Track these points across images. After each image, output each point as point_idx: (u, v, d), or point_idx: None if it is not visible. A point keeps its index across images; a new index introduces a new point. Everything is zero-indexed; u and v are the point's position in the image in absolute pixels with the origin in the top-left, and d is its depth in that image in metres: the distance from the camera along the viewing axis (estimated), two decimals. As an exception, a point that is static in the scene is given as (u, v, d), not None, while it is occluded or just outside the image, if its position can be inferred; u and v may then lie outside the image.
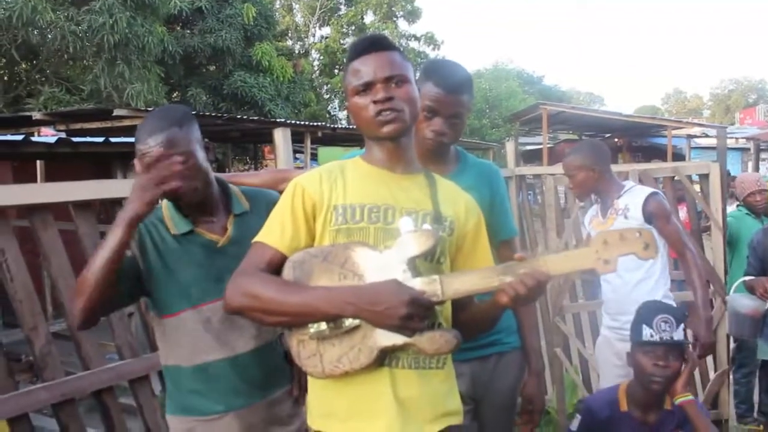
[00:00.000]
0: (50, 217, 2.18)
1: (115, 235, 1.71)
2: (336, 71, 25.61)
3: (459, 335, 1.55)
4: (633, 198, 3.23)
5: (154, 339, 2.47)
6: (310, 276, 1.57)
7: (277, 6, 27.85)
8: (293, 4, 28.75)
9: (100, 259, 1.71)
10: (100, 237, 2.37)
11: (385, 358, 1.56)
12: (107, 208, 2.43)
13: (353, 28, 28.15)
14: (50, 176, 7.24)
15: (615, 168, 4.42)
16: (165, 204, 1.96)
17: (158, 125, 1.85)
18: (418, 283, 1.51)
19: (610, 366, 3.33)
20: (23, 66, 13.45)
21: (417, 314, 1.47)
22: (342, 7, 28.55)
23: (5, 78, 13.47)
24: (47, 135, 4.96)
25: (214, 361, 1.91)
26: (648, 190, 3.29)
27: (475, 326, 1.76)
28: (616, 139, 22.90)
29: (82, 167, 6.04)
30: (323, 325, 1.54)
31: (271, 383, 2.00)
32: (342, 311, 1.50)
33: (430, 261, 1.64)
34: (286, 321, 1.57)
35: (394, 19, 28.05)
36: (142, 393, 2.43)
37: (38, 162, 6.86)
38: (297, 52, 26.04)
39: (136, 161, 1.88)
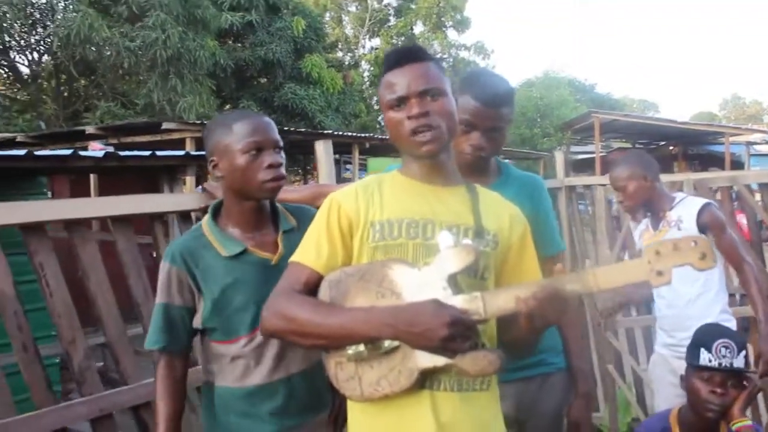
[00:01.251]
0: (89, 232, 2.18)
1: None
2: (386, 82, 25.71)
3: (503, 355, 1.46)
4: (686, 209, 3.09)
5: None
6: (346, 295, 1.52)
7: (327, 18, 28.18)
8: (343, 16, 29.04)
9: None
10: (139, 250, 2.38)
11: (426, 380, 1.49)
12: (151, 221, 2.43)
13: (403, 38, 28.26)
14: (103, 189, 7.41)
15: (669, 177, 4.28)
16: (207, 229, 1.90)
17: (253, 114, 1.92)
18: (459, 301, 1.44)
19: (666, 385, 3.18)
20: (82, 82, 13.85)
21: (458, 335, 1.40)
22: (391, 18, 28.73)
23: (65, 94, 13.89)
24: (96, 149, 5.05)
25: (269, 383, 1.85)
26: (701, 200, 3.15)
27: (519, 346, 1.68)
28: (671, 147, 22.35)
29: (131, 180, 6.16)
30: (361, 347, 1.48)
31: (320, 403, 1.94)
32: (380, 333, 1.44)
33: (473, 277, 1.56)
34: (323, 344, 1.52)
35: (444, 29, 28.06)
36: None
37: (91, 176, 7.00)
38: (347, 63, 26.26)
39: (230, 156, 1.85)
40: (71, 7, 12.24)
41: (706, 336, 2.45)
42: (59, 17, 11.46)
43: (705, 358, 2.38)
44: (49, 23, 11.98)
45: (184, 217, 2.45)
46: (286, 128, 12.40)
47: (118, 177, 7.12)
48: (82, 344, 2.13)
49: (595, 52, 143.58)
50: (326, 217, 1.60)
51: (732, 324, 3.02)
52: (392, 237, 1.55)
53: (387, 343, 1.46)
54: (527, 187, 2.20)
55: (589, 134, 19.83)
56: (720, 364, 2.35)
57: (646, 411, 4.35)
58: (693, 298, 3.05)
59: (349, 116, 20.17)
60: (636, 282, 1.48)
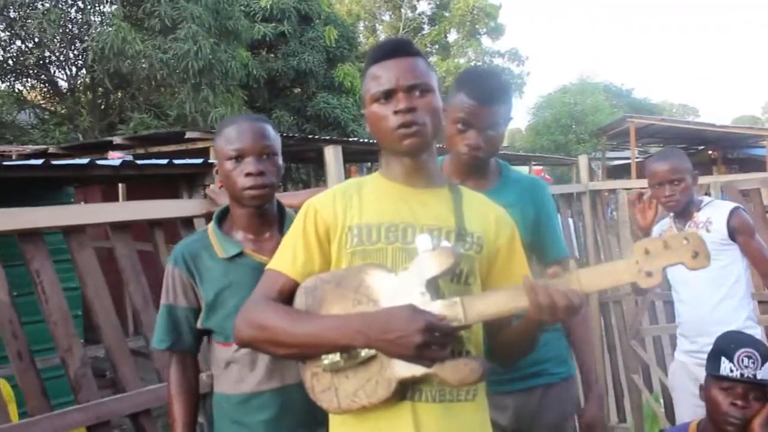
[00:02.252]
0: (86, 238, 2.18)
1: None
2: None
3: (486, 363, 1.40)
4: (716, 211, 2.98)
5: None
6: (322, 303, 1.47)
7: (361, 28, 28.29)
8: (376, 25, 29.11)
9: None
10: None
11: (406, 390, 1.43)
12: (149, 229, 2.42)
13: (437, 47, 28.25)
14: (131, 197, 7.52)
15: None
16: (210, 228, 1.91)
17: (249, 119, 1.88)
18: (437, 307, 1.38)
19: (688, 395, 3.06)
20: (118, 94, 14.08)
21: (434, 342, 1.33)
22: (425, 26, 28.72)
23: (102, 107, 14.14)
24: (114, 158, 5.13)
25: (262, 392, 1.82)
26: (731, 204, 3.03)
27: (513, 350, 1.60)
28: (710, 152, 21.87)
29: (158, 189, 6.24)
30: (337, 357, 1.43)
31: (317, 419, 1.87)
32: (352, 341, 1.38)
33: (457, 282, 1.50)
34: (296, 353, 1.48)
35: (478, 36, 27.96)
36: None
37: (119, 185, 7.10)
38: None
39: (220, 162, 1.86)
40: (107, 21, 12.48)
41: (727, 344, 2.32)
42: (94, 31, 11.65)
43: (726, 367, 2.25)
44: (86, 38, 12.20)
45: (186, 223, 2.43)
46: (311, 137, 12.41)
47: (146, 186, 7.22)
48: (79, 352, 2.12)
49: (633, 57, 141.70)
50: (302, 222, 1.55)
51: (757, 332, 2.90)
52: (371, 242, 1.49)
53: (364, 353, 1.41)
54: (528, 189, 2.13)
55: (624, 140, 19.52)
56: (742, 374, 2.22)
57: (674, 422, 4.21)
58: (716, 303, 2.93)
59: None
60: (623, 284, 1.41)
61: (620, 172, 21.87)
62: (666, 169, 2.99)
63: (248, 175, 1.81)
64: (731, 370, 2.24)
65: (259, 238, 1.89)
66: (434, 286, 1.42)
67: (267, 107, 17.56)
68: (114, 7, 12.79)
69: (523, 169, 16.73)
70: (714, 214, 2.97)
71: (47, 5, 11.82)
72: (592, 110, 23.02)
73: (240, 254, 1.84)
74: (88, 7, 12.60)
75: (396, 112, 1.49)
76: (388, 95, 1.51)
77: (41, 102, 14.71)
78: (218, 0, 12.69)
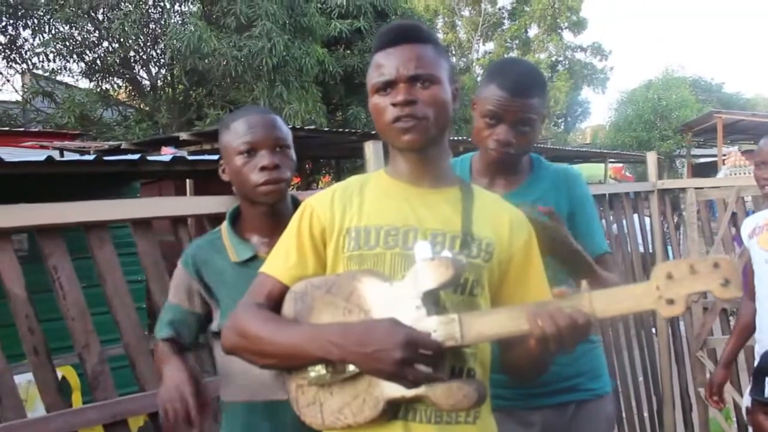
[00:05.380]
0: (107, 234, 2.15)
1: None
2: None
3: (483, 388, 1.27)
4: None
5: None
6: (311, 310, 1.36)
7: (440, 24, 28.12)
8: (456, 20, 28.89)
9: None
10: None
11: (398, 410, 1.31)
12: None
13: (517, 41, 27.83)
14: (198, 192, 7.67)
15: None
16: (224, 229, 1.83)
17: (257, 111, 1.80)
18: (432, 323, 1.26)
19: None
20: (200, 91, 14.42)
21: (417, 360, 1.21)
22: (505, 21, 28.37)
23: (182, 104, 14.51)
24: (167, 153, 5.20)
25: (277, 401, 1.64)
26: None
27: (525, 370, 1.47)
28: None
29: (220, 184, 6.35)
30: (323, 370, 1.32)
31: None
32: (327, 353, 1.27)
33: (460, 293, 1.37)
34: (275, 363, 1.38)
35: (559, 30, 27.40)
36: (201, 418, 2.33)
37: (187, 180, 7.22)
38: (459, 68, 26.03)
39: (229, 158, 1.77)
40: (185, 20, 12.80)
41: None
42: (172, 31, 11.95)
43: None
44: (164, 37, 12.54)
45: (213, 221, 2.37)
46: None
47: (211, 182, 7.37)
48: (96, 348, 2.10)
49: (724, 49, 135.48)
50: (297, 223, 1.45)
51: None
52: (368, 246, 1.38)
53: (351, 368, 1.29)
54: (561, 180, 1.96)
55: (712, 136, 18.58)
56: None
57: (747, 441, 3.92)
58: None
59: (459, 121, 19.90)
60: (642, 310, 1.25)
61: (707, 169, 20.84)
62: None
63: (263, 169, 1.71)
64: None
65: (274, 240, 1.79)
66: (432, 299, 1.30)
67: (343, 103, 17.63)
68: (195, 7, 13.11)
69: (600, 167, 16.15)
70: None
71: (130, 7, 12.20)
72: (677, 105, 21.98)
73: (254, 257, 1.75)
74: (168, 7, 12.96)
75: (394, 105, 1.37)
76: (388, 86, 1.39)
77: (125, 99, 15.22)
78: (293, -3, 12.83)
